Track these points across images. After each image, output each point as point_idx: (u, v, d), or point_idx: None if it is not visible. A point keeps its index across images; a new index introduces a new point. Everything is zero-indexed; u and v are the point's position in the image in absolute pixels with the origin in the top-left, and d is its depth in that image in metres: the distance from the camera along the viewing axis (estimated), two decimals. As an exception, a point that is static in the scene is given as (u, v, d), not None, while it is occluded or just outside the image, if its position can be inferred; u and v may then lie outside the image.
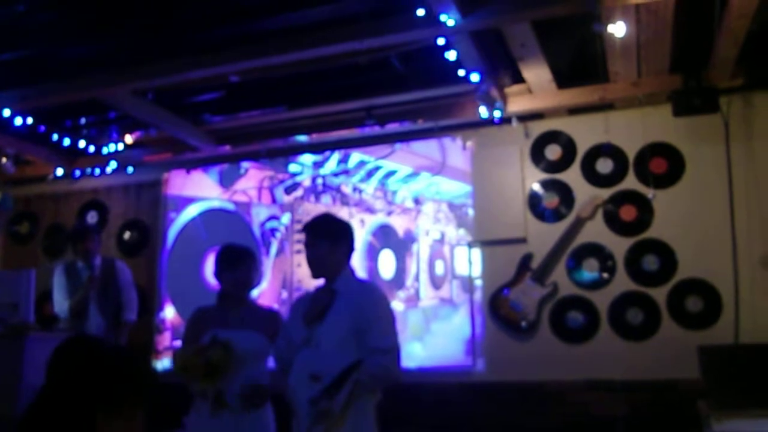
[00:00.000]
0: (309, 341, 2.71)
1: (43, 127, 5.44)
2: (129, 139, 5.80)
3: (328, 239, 2.83)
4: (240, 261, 3.32)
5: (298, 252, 5.61)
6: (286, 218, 5.73)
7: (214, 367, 2.97)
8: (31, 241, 6.56)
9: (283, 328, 3.00)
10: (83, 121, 5.62)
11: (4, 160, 5.73)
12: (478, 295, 5.10)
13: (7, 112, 4.84)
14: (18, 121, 5.08)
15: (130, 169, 6.07)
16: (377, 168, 5.54)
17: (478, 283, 5.12)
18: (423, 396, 4.93)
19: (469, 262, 5.16)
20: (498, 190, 5.11)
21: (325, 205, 5.61)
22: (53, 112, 5.31)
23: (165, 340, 5.83)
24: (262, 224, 5.78)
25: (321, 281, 2.90)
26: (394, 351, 2.70)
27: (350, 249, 2.90)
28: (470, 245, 5.17)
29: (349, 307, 2.71)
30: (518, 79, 4.74)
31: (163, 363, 5.70)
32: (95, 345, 1.55)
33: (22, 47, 4.35)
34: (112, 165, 6.00)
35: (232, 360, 3.04)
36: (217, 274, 3.35)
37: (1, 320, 4.30)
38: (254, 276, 3.39)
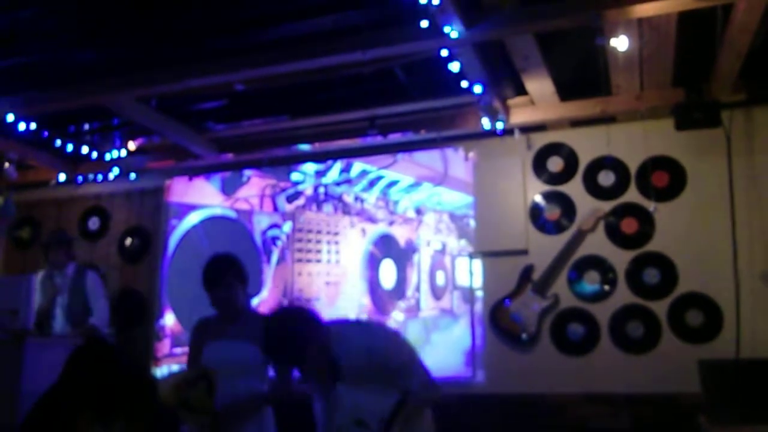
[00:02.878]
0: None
1: (46, 133, 5.46)
2: (132, 145, 5.81)
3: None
4: (216, 283, 3.24)
5: (299, 261, 5.61)
6: (287, 227, 5.73)
7: (191, 407, 2.92)
8: (33, 246, 6.56)
9: None
10: (86, 127, 5.63)
11: (6, 165, 5.74)
12: (478, 307, 5.10)
13: (10, 117, 4.85)
14: (21, 126, 5.10)
15: (133, 175, 6.08)
16: (379, 178, 5.55)
17: (479, 294, 5.12)
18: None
19: (470, 273, 5.16)
20: (500, 201, 5.11)
21: (326, 214, 5.62)
22: (56, 117, 5.32)
23: (165, 347, 5.82)
24: (264, 232, 5.79)
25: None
26: (429, 381, 2.66)
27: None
28: (471, 256, 5.17)
29: (380, 372, 2.54)
30: (521, 91, 4.75)
31: (161, 370, 5.69)
32: (102, 353, 1.56)
33: (26, 53, 4.36)
34: (115, 171, 6.00)
35: (212, 401, 2.96)
36: (205, 290, 3.30)
37: (1, 326, 4.30)
38: (236, 292, 3.27)
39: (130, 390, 1.54)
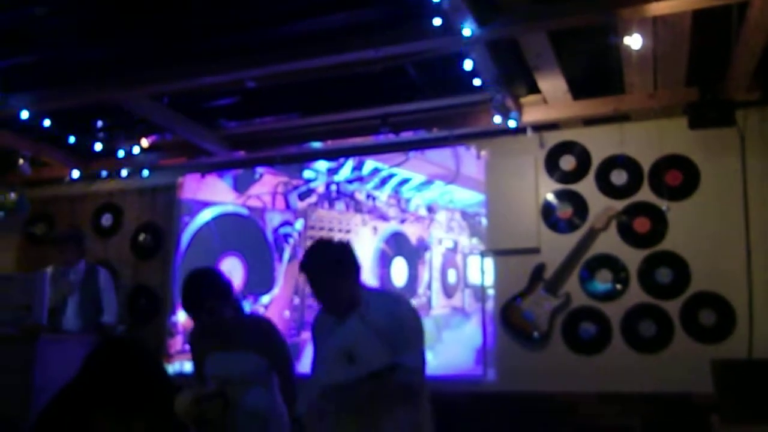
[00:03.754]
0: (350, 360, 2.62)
1: (59, 130, 5.50)
2: (145, 142, 5.84)
3: (332, 274, 2.64)
4: (197, 307, 3.07)
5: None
6: (299, 224, 5.75)
7: (206, 421, 2.94)
8: (47, 243, 6.60)
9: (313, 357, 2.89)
10: (100, 124, 5.66)
11: (21, 161, 5.78)
12: (490, 305, 5.09)
13: (25, 114, 4.88)
14: (35, 123, 5.13)
15: (146, 172, 6.12)
16: (391, 176, 5.55)
17: (491, 292, 5.11)
18: (434, 405, 4.89)
19: (482, 272, 5.15)
20: (512, 199, 5.10)
21: (338, 211, 5.62)
22: (70, 114, 5.35)
23: (177, 343, 5.85)
24: (276, 230, 5.80)
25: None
26: (421, 367, 2.67)
27: (358, 269, 2.74)
28: (483, 254, 5.17)
29: (381, 328, 2.62)
30: (533, 89, 4.74)
31: (174, 366, 5.72)
32: (127, 351, 1.57)
33: (40, 50, 4.39)
34: (128, 168, 6.04)
35: (226, 417, 2.98)
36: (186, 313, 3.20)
37: (15, 322, 4.34)
38: (221, 311, 3.06)
39: (153, 390, 1.55)
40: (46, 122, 5.19)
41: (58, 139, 5.71)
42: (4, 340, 4.24)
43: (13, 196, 6.05)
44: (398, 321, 2.66)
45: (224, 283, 3.14)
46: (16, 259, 6.69)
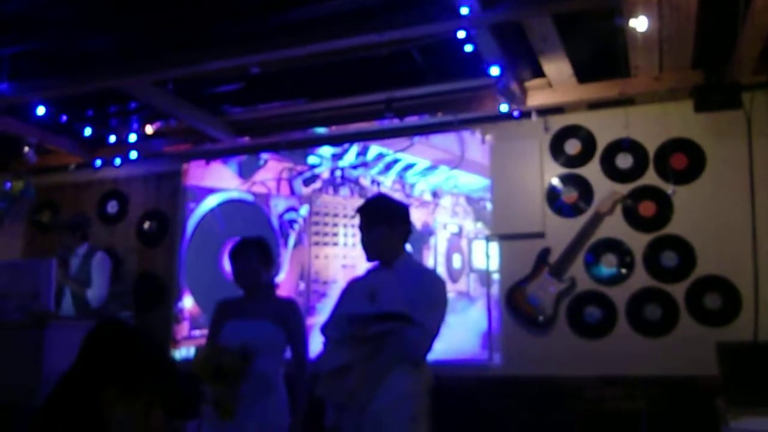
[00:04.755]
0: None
1: (64, 117, 5.50)
2: (149, 129, 5.84)
3: (385, 223, 2.80)
4: (238, 253, 3.38)
5: (316, 244, 5.63)
6: (304, 210, 5.75)
7: (223, 373, 2.99)
8: (52, 230, 6.63)
9: (335, 311, 2.95)
10: (104, 111, 5.67)
11: (26, 149, 5.79)
12: (495, 289, 5.10)
13: (29, 102, 4.88)
14: (40, 110, 5.14)
15: (150, 159, 6.12)
16: (396, 161, 5.54)
17: (496, 276, 5.12)
18: (440, 389, 4.90)
19: (487, 256, 5.16)
20: (517, 184, 5.09)
21: (343, 197, 5.63)
22: (75, 101, 5.36)
23: (183, 329, 5.88)
24: (281, 216, 5.81)
25: (373, 264, 2.89)
26: (432, 333, 2.70)
27: (407, 231, 2.88)
28: (488, 239, 5.17)
29: (408, 287, 2.69)
30: (538, 73, 4.72)
31: (180, 353, 5.75)
32: (122, 330, 1.59)
33: (44, 38, 4.38)
34: (133, 155, 6.05)
35: (245, 372, 3.05)
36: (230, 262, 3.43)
37: (22, 309, 4.36)
38: (255, 266, 3.35)
39: (151, 365, 1.57)
40: (40, 110, 5.16)
41: (62, 127, 5.72)
42: (13, 326, 4.26)
43: (19, 183, 6.07)
44: (426, 286, 2.75)
45: (270, 251, 3.45)
46: (22, 247, 6.72)
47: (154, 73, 4.61)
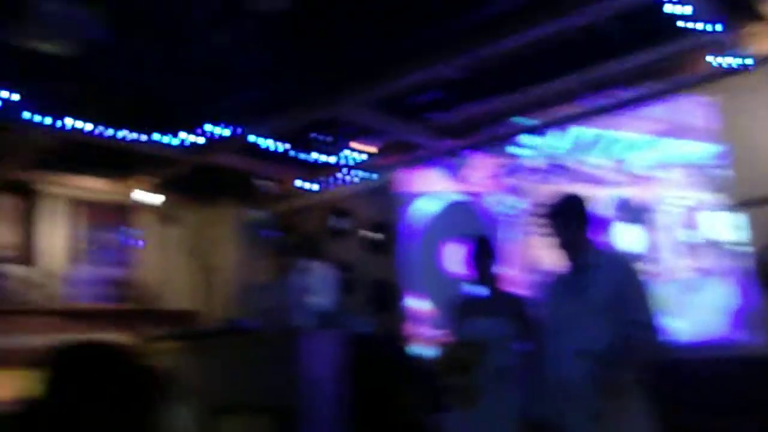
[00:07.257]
0: (570, 318, 2.74)
1: (286, 148, 6.06)
2: (361, 147, 6.21)
3: (576, 221, 2.87)
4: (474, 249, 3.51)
5: (535, 235, 5.55)
6: (519, 202, 5.70)
7: (464, 366, 3.21)
8: (288, 250, 7.27)
9: (540, 311, 3.02)
10: (318, 137, 6.15)
11: (263, 182, 6.45)
12: (744, 262, 4.62)
13: (270, 143, 5.47)
14: (271, 146, 5.71)
15: (366, 174, 6.50)
16: (608, 140, 5.30)
17: (743, 249, 4.64)
18: (700, 374, 4.51)
19: (731, 228, 4.70)
20: (756, 143, 4.58)
21: (557, 184, 5.49)
22: (292, 133, 5.87)
23: (413, 328, 6.13)
24: (497, 211, 5.82)
25: (565, 262, 2.89)
26: (655, 325, 2.64)
27: (588, 222, 2.91)
28: (731, 209, 4.71)
29: (607, 280, 2.72)
30: (755, 16, 4.24)
31: (411, 349, 5.99)
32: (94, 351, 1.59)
33: (267, 85, 4.94)
34: (350, 173, 6.47)
35: (481, 360, 3.21)
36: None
37: (274, 322, 4.82)
38: (480, 261, 3.47)
39: (134, 387, 1.57)
40: (280, 145, 5.72)
41: (283, 157, 6.28)
42: (270, 338, 4.71)
43: (262, 213, 6.78)
44: (631, 279, 2.73)
45: (482, 247, 3.53)
46: (266, 267, 7.43)
47: (363, 96, 4.92)
